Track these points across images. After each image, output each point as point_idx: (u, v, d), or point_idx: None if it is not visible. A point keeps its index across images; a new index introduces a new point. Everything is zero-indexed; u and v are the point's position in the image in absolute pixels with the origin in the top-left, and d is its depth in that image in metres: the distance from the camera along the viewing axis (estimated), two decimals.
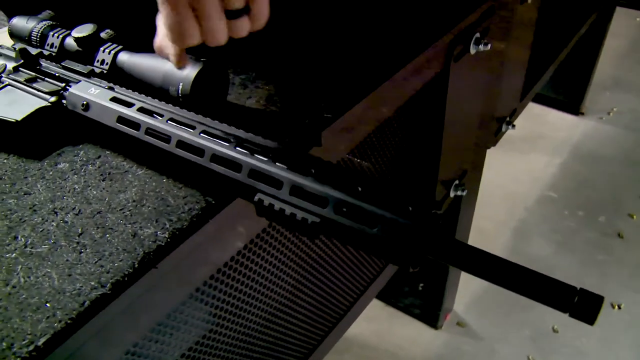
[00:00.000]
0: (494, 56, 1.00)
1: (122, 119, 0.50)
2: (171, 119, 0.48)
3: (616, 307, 1.68)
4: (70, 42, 0.61)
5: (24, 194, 0.50)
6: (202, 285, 0.56)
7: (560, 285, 0.35)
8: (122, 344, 0.47)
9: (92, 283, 0.41)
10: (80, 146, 0.56)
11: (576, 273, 1.80)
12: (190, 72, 0.53)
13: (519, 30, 1.18)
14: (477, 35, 0.84)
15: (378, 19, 0.77)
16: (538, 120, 2.51)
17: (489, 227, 1.97)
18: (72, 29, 0.60)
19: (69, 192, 0.50)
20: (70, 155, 0.54)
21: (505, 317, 1.69)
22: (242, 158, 0.43)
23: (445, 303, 1.62)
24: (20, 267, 0.43)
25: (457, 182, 1.10)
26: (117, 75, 0.59)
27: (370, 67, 0.66)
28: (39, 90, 0.57)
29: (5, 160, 0.55)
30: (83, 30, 0.60)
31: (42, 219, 0.47)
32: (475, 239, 1.55)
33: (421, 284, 1.60)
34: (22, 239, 0.45)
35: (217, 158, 0.45)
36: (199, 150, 0.46)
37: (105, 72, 0.59)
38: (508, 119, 1.36)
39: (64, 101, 0.56)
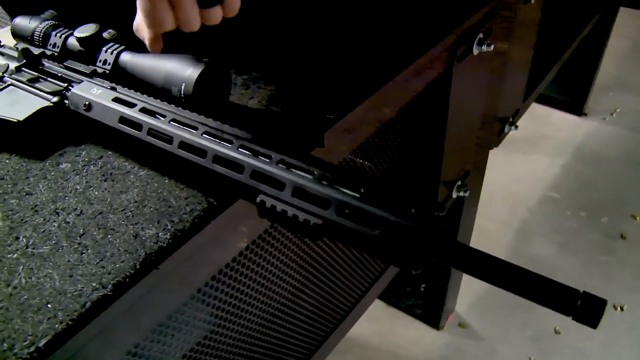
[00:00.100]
0: (497, 57, 1.00)
1: (124, 120, 0.50)
2: (173, 120, 0.48)
3: (618, 308, 1.67)
4: (72, 42, 0.61)
5: (26, 194, 0.50)
6: (204, 286, 0.56)
7: (563, 288, 0.35)
8: (124, 345, 0.47)
9: (94, 284, 0.41)
10: (82, 146, 0.55)
11: (578, 274, 1.80)
12: (192, 72, 0.53)
13: (522, 31, 1.17)
14: (480, 35, 0.83)
15: (381, 19, 0.77)
16: (541, 121, 2.50)
17: (491, 228, 1.97)
18: (74, 28, 0.60)
19: (70, 192, 0.50)
20: (72, 156, 0.54)
21: (507, 318, 1.69)
22: (244, 159, 0.43)
23: (447, 304, 1.61)
24: (21, 267, 0.43)
25: (459, 182, 1.10)
26: (119, 76, 0.59)
27: (373, 68, 0.66)
28: (41, 90, 0.57)
29: (7, 160, 0.54)
30: (85, 30, 0.59)
31: (44, 220, 0.47)
32: (477, 240, 1.54)
33: (423, 285, 1.59)
34: (24, 240, 0.45)
35: (219, 159, 0.45)
36: (201, 151, 0.45)
37: (107, 72, 0.59)
38: (511, 119, 1.36)
39: (66, 101, 0.56)
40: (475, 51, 0.84)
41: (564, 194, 2.11)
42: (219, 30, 0.55)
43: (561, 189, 2.14)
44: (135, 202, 0.48)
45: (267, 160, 0.43)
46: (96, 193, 0.50)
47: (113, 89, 0.54)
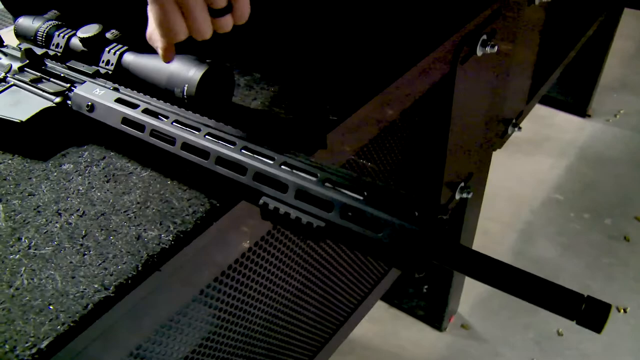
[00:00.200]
0: (500, 58, 1.00)
1: (126, 121, 0.50)
2: (176, 121, 0.48)
3: (622, 310, 1.67)
4: (75, 42, 0.61)
5: (28, 195, 0.50)
6: (206, 287, 0.55)
7: (567, 292, 0.35)
8: (126, 346, 0.46)
9: (96, 286, 0.41)
10: (85, 147, 0.55)
11: (581, 276, 1.79)
12: (195, 73, 0.53)
13: (526, 32, 1.17)
14: (484, 37, 0.83)
15: (385, 21, 0.76)
16: (544, 122, 2.50)
17: (494, 229, 1.97)
18: (77, 29, 0.60)
19: (73, 193, 0.50)
20: (74, 156, 0.54)
21: (510, 319, 1.68)
22: (247, 161, 0.43)
23: (450, 305, 1.61)
24: (23, 268, 0.43)
25: (462, 184, 1.10)
26: (122, 76, 0.58)
27: (376, 69, 0.65)
28: (44, 91, 0.57)
29: (9, 161, 0.54)
30: (88, 31, 0.59)
31: (46, 221, 0.47)
32: (480, 241, 1.54)
33: (425, 286, 1.59)
34: (26, 241, 0.45)
35: (222, 161, 0.44)
36: (204, 153, 0.45)
37: (110, 72, 0.59)
38: (514, 121, 1.36)
39: (68, 102, 0.55)
40: (479, 52, 0.84)
41: (568, 195, 2.11)
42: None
43: (564, 190, 2.13)
44: (138, 203, 0.48)
45: (270, 162, 0.43)
46: (98, 194, 0.50)
47: (116, 89, 0.54)
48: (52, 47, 0.63)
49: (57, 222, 0.47)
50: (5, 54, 0.63)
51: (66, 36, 0.62)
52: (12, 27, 0.68)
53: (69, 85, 0.57)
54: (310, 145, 0.55)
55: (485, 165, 1.27)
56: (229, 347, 0.67)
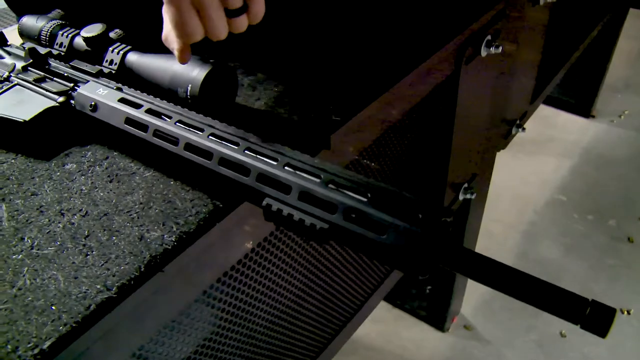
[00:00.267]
0: (504, 58, 0.99)
1: (130, 120, 0.50)
2: (179, 121, 0.48)
3: (625, 312, 1.66)
4: (79, 41, 0.61)
5: (31, 195, 0.50)
6: (209, 288, 0.55)
7: (571, 296, 0.35)
8: (128, 347, 0.46)
9: (98, 286, 0.41)
10: (88, 147, 0.55)
11: (585, 277, 1.79)
12: (199, 73, 0.53)
13: (530, 33, 1.17)
14: (488, 37, 0.83)
15: (389, 21, 0.76)
16: (548, 123, 2.49)
17: (498, 230, 1.96)
18: (81, 28, 0.60)
19: (76, 193, 0.50)
20: (77, 156, 0.54)
21: (513, 320, 1.68)
22: (251, 162, 0.43)
23: (453, 306, 1.61)
24: (26, 269, 0.43)
25: (466, 185, 1.09)
26: (125, 76, 0.58)
27: (380, 70, 0.65)
28: (47, 90, 0.56)
29: (13, 160, 0.54)
30: (92, 30, 0.59)
31: (49, 220, 0.47)
32: (483, 242, 1.54)
33: (428, 287, 1.59)
34: (29, 241, 0.45)
35: (225, 161, 0.44)
36: (207, 154, 0.45)
37: (113, 72, 0.58)
38: (518, 121, 1.35)
39: (72, 101, 0.55)
40: (483, 53, 0.84)
41: (571, 196, 2.10)
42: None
43: (568, 191, 2.13)
44: (141, 203, 0.48)
45: (274, 163, 0.43)
46: (101, 194, 0.49)
47: (119, 89, 0.53)
48: (55, 47, 0.63)
49: (59, 222, 0.47)
50: (9, 53, 0.63)
51: (70, 35, 0.62)
52: (16, 26, 0.68)
53: (72, 84, 0.56)
54: (313, 146, 0.55)
55: (489, 166, 1.27)
56: (231, 347, 0.67)
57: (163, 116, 0.49)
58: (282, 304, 0.73)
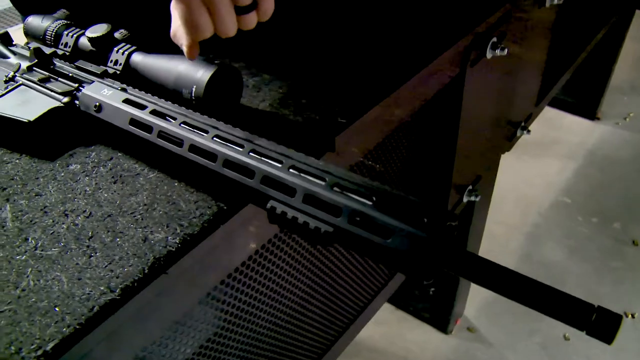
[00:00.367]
0: (510, 60, 0.99)
1: (134, 122, 0.50)
2: (184, 123, 0.48)
3: (629, 315, 1.65)
4: (84, 41, 0.61)
5: (35, 195, 0.50)
6: (213, 290, 0.55)
7: (577, 302, 0.34)
8: (131, 349, 0.46)
9: (102, 288, 0.41)
10: (92, 147, 0.55)
11: (589, 280, 1.78)
12: (203, 74, 0.53)
13: (536, 34, 1.16)
14: (494, 39, 0.82)
15: (394, 23, 0.76)
16: (552, 125, 2.48)
17: (501, 231, 1.96)
18: (86, 28, 0.60)
19: (80, 194, 0.50)
20: (82, 157, 0.54)
21: (516, 323, 1.67)
22: (255, 164, 0.43)
23: (456, 308, 1.60)
24: (30, 269, 0.43)
25: (470, 187, 1.09)
26: (130, 76, 0.58)
27: (386, 72, 0.65)
28: (52, 91, 0.56)
29: (17, 161, 0.54)
30: (97, 30, 0.59)
31: (53, 221, 0.47)
32: (487, 243, 1.53)
33: (432, 289, 1.58)
34: (33, 241, 0.45)
35: (229, 163, 0.44)
36: (211, 155, 0.45)
37: (118, 72, 0.58)
38: (523, 123, 1.35)
39: (76, 102, 0.55)
40: (489, 55, 0.83)
41: (576, 198, 2.10)
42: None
43: (573, 193, 2.12)
44: (145, 205, 0.48)
45: (278, 165, 0.42)
46: (105, 195, 0.49)
47: (124, 90, 0.53)
48: (60, 47, 0.63)
49: (63, 223, 0.47)
50: (14, 53, 0.63)
51: (75, 36, 0.62)
52: (21, 26, 0.68)
53: (77, 85, 0.56)
54: (318, 148, 0.54)
55: (494, 168, 1.27)
56: (234, 349, 0.66)
57: (167, 117, 0.49)
58: (285, 306, 0.72)
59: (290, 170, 0.42)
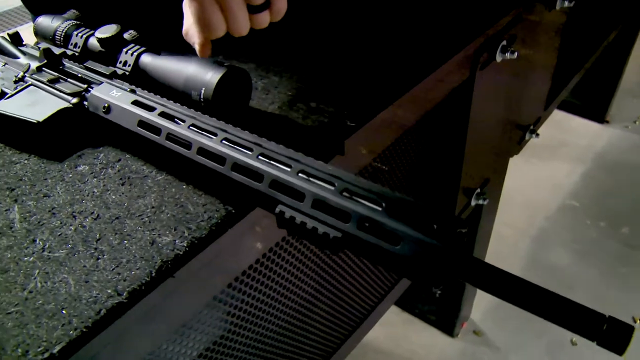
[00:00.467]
0: (519, 63, 0.98)
1: (143, 123, 0.50)
2: (193, 125, 0.48)
3: (638, 321, 1.64)
4: (93, 42, 0.61)
5: (44, 196, 0.50)
6: (220, 293, 0.55)
7: (588, 312, 0.34)
8: (138, 352, 0.46)
9: (109, 291, 0.41)
10: (101, 149, 0.55)
11: (596, 285, 1.77)
12: (212, 76, 0.53)
13: (546, 37, 1.15)
14: (504, 42, 0.82)
15: (405, 26, 0.76)
16: (561, 127, 2.47)
17: (509, 234, 1.94)
18: (96, 29, 0.60)
19: (88, 195, 0.50)
20: (90, 158, 0.54)
21: (523, 327, 1.66)
22: (264, 168, 0.42)
23: (463, 311, 1.60)
24: (37, 271, 0.43)
25: (478, 190, 1.08)
26: (139, 77, 0.58)
27: (396, 75, 0.65)
28: (61, 91, 0.56)
29: (25, 161, 0.54)
30: (106, 31, 0.59)
31: (61, 223, 0.47)
32: (494, 246, 1.52)
33: (438, 291, 1.58)
34: (40, 243, 0.45)
35: (238, 167, 0.44)
36: (220, 159, 0.45)
37: (127, 73, 0.58)
38: (532, 127, 1.34)
39: (85, 103, 0.55)
40: (499, 59, 0.83)
41: (584, 202, 2.08)
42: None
43: (581, 197, 2.11)
44: (153, 207, 0.48)
45: (287, 169, 0.42)
46: (113, 197, 0.49)
47: (132, 91, 0.53)
48: (70, 47, 0.63)
49: (71, 225, 0.47)
50: (24, 53, 0.63)
51: (84, 36, 0.62)
52: (30, 24, 0.68)
53: (86, 86, 0.56)
54: (327, 152, 0.54)
55: (502, 171, 1.26)
56: (240, 352, 0.66)
57: (176, 119, 0.49)
58: (291, 309, 0.72)
59: (299, 174, 0.42)
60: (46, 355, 0.37)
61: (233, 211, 0.47)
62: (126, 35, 0.60)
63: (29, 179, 0.52)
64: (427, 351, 1.65)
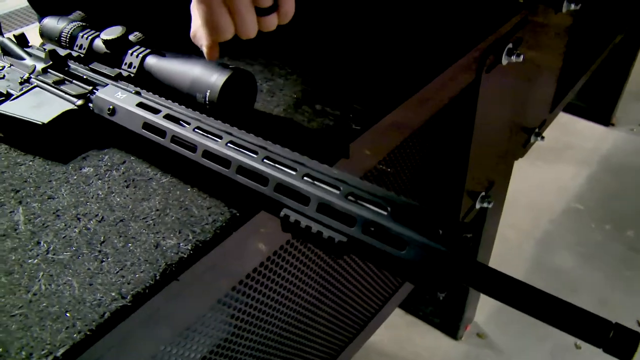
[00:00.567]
0: (525, 66, 0.98)
1: (148, 126, 0.50)
2: (198, 128, 0.47)
3: None
4: (98, 44, 0.61)
5: (48, 198, 0.50)
6: (224, 296, 0.55)
7: (595, 318, 0.34)
8: (141, 355, 0.46)
9: (113, 294, 0.41)
10: (105, 151, 0.55)
11: (601, 288, 1.76)
12: (218, 79, 0.52)
13: (552, 40, 1.15)
14: (510, 45, 0.82)
15: (411, 29, 0.75)
16: (566, 130, 2.46)
17: (513, 236, 1.94)
18: (101, 30, 0.60)
19: (92, 197, 0.50)
20: (95, 160, 0.54)
21: (527, 330, 1.66)
22: (269, 172, 0.42)
23: (466, 313, 1.59)
24: (41, 274, 0.43)
25: (483, 193, 1.08)
26: (144, 79, 0.58)
27: (401, 78, 0.64)
28: (66, 93, 0.56)
29: (30, 163, 0.54)
30: (112, 33, 0.59)
31: (65, 225, 0.47)
32: (498, 248, 1.52)
33: (442, 294, 1.57)
34: (45, 245, 0.45)
35: (243, 170, 0.44)
36: (225, 162, 0.45)
37: (132, 75, 0.58)
38: (537, 130, 1.34)
39: (90, 105, 0.55)
40: (504, 62, 0.82)
41: (589, 205, 2.07)
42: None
43: (586, 200, 2.10)
44: (157, 210, 0.48)
45: (293, 173, 0.42)
46: (118, 199, 0.49)
47: (137, 93, 0.53)
48: (75, 48, 0.63)
49: (75, 227, 0.47)
50: (30, 55, 0.63)
51: (89, 38, 0.62)
52: (36, 24, 0.68)
53: (91, 87, 0.56)
54: (332, 155, 0.54)
55: (507, 174, 1.26)
56: (244, 355, 0.66)
57: (181, 122, 0.49)
58: (295, 312, 0.72)
59: (305, 178, 0.41)
60: (50, 358, 0.37)
61: (238, 214, 0.47)
62: (131, 37, 0.60)
63: (33, 180, 0.52)
64: (430, 354, 1.64)
